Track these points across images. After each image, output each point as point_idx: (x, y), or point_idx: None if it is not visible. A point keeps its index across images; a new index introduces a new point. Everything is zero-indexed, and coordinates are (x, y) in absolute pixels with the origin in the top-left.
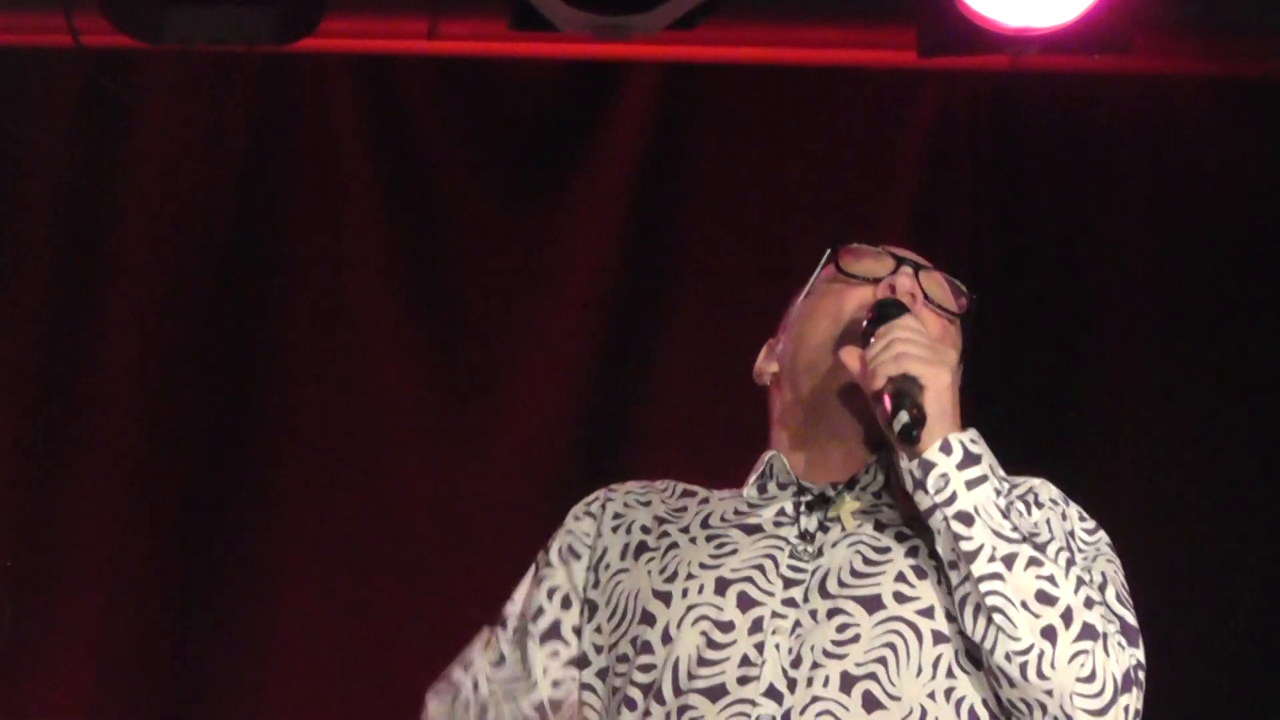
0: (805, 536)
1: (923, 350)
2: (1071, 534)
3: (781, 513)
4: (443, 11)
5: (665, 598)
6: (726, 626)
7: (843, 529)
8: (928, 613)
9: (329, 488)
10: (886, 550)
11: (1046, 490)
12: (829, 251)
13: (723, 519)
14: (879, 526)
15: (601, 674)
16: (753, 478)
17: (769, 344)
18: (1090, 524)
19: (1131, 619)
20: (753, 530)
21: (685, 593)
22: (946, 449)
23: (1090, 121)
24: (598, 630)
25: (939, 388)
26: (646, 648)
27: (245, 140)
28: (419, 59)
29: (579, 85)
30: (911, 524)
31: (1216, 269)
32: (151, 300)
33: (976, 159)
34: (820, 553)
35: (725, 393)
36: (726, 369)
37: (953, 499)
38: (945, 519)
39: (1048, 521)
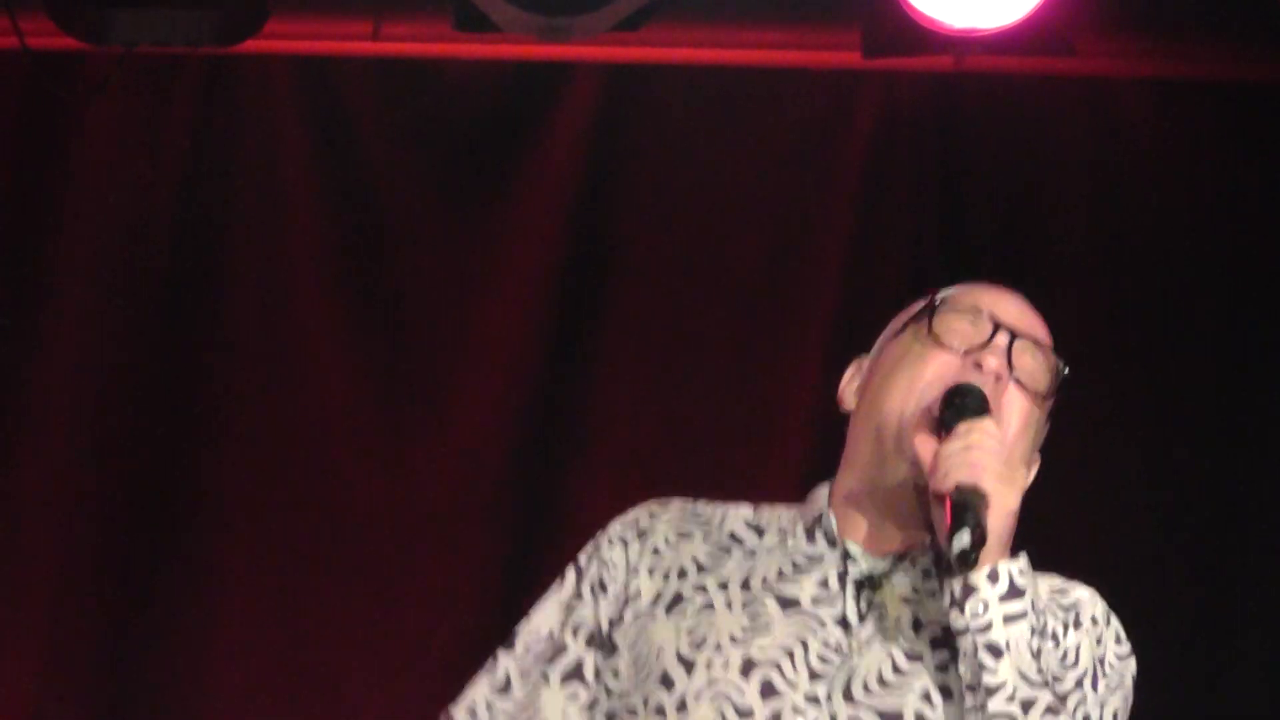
0: (844, 624)
1: (998, 464)
2: (1102, 660)
3: (824, 584)
4: (386, 12)
5: (688, 665)
6: (745, 712)
7: (882, 620)
8: None
9: (271, 490)
10: (918, 659)
11: (1091, 608)
12: (929, 299)
13: (764, 583)
14: (917, 625)
15: (609, 717)
16: (803, 521)
17: (856, 363)
18: (1125, 648)
19: None
20: (789, 605)
21: (710, 665)
22: (994, 577)
23: (1034, 123)
24: (614, 673)
25: (1003, 510)
26: (660, 711)
27: (188, 141)
28: (362, 60)
29: (522, 86)
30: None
31: (1160, 269)
32: (94, 303)
33: (920, 160)
34: (854, 651)
35: (667, 394)
36: (669, 370)
37: (987, 628)
38: (975, 645)
39: (1078, 647)
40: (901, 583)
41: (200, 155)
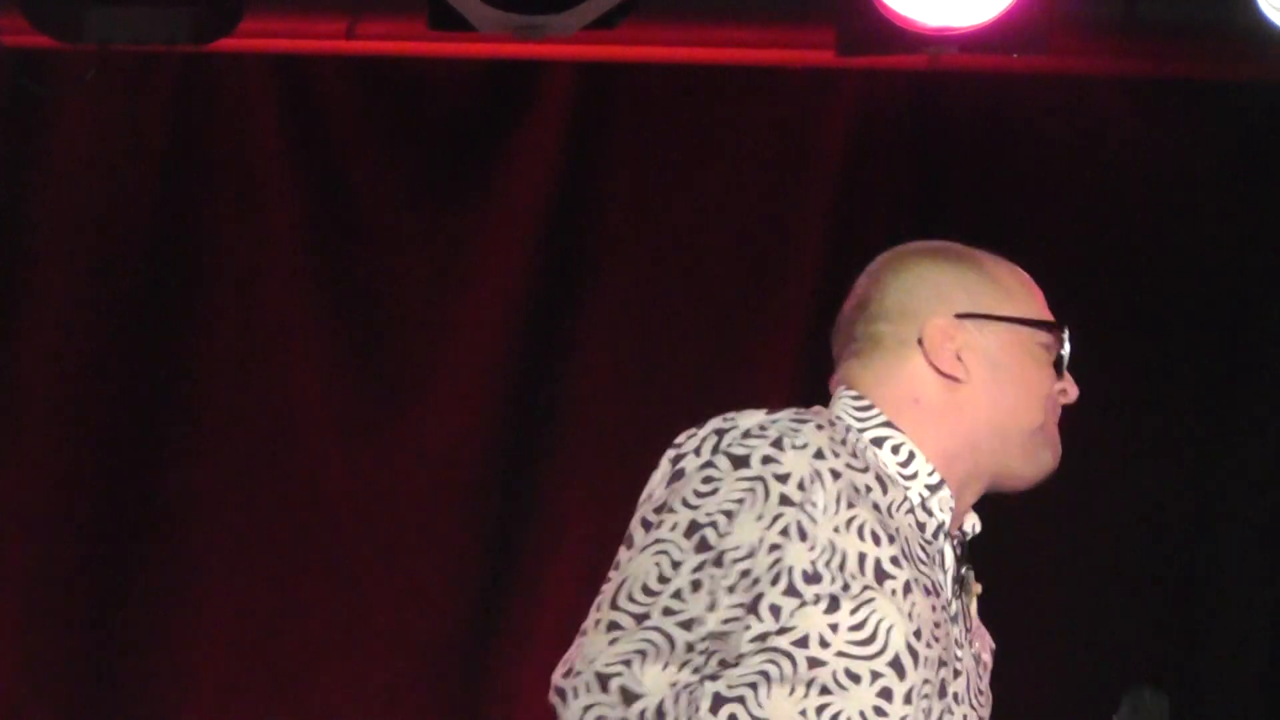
0: (959, 618)
1: None
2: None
3: (940, 561)
4: (361, 11)
5: (915, 657)
6: (928, 713)
7: (966, 613)
8: None
9: (248, 486)
10: (979, 660)
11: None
12: (1053, 323)
13: (919, 563)
14: (969, 625)
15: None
16: (914, 488)
17: (956, 324)
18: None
19: None
20: (936, 594)
21: (925, 662)
22: None
23: (1010, 121)
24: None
25: None
26: (887, 694)
27: (164, 140)
28: (337, 59)
29: (497, 85)
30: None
31: (1136, 267)
32: (70, 301)
33: (895, 158)
34: (964, 641)
35: (643, 391)
36: (644, 367)
37: None
38: None
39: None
40: (977, 585)
41: (176, 154)
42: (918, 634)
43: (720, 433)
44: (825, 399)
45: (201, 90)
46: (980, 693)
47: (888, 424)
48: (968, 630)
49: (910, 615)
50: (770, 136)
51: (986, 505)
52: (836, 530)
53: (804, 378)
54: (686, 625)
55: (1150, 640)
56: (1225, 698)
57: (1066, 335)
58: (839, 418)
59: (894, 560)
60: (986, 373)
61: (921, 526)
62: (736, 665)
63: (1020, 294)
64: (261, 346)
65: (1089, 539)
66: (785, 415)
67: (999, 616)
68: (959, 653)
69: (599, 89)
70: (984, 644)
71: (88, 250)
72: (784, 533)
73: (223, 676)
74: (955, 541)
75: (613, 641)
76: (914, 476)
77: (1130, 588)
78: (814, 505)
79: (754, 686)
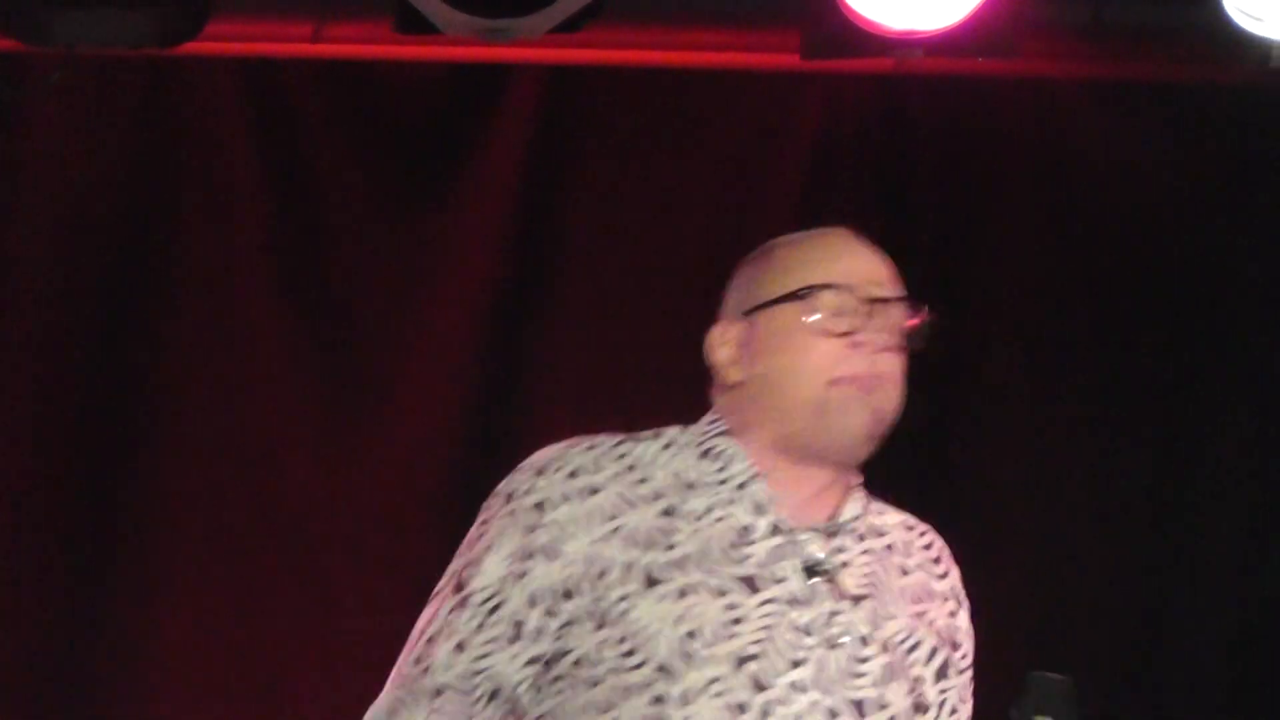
0: (802, 603)
1: None
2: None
3: (777, 555)
4: (328, 14)
5: (688, 658)
6: (741, 708)
7: (836, 598)
8: None
9: (216, 489)
10: (868, 641)
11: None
12: (807, 287)
13: (723, 562)
14: (861, 598)
15: (557, 679)
16: (727, 482)
17: (723, 329)
18: None
19: None
20: (752, 589)
21: (706, 662)
22: None
23: (976, 124)
24: (574, 642)
25: None
26: (659, 700)
27: (131, 142)
28: (304, 62)
29: (464, 88)
30: (881, 578)
31: (1103, 271)
32: (38, 304)
33: (861, 161)
34: (814, 630)
35: (610, 393)
36: (611, 370)
37: None
38: None
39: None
40: (838, 554)
41: (143, 156)
42: (693, 634)
43: (511, 473)
44: None
45: (168, 93)
46: (856, 675)
47: (723, 433)
48: (833, 615)
49: (684, 618)
50: (736, 140)
51: (947, 500)
52: (594, 543)
53: None
54: (428, 671)
55: (1113, 635)
56: (1187, 693)
57: (820, 293)
58: (680, 435)
59: (670, 565)
60: (762, 360)
61: (748, 528)
62: (540, 693)
63: (794, 270)
64: (229, 349)
65: (1053, 533)
66: (587, 441)
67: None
68: (808, 640)
69: (565, 92)
70: (906, 620)
71: (55, 253)
72: (531, 556)
73: (188, 680)
74: (821, 531)
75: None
76: (726, 481)
77: (1093, 583)
78: (571, 522)
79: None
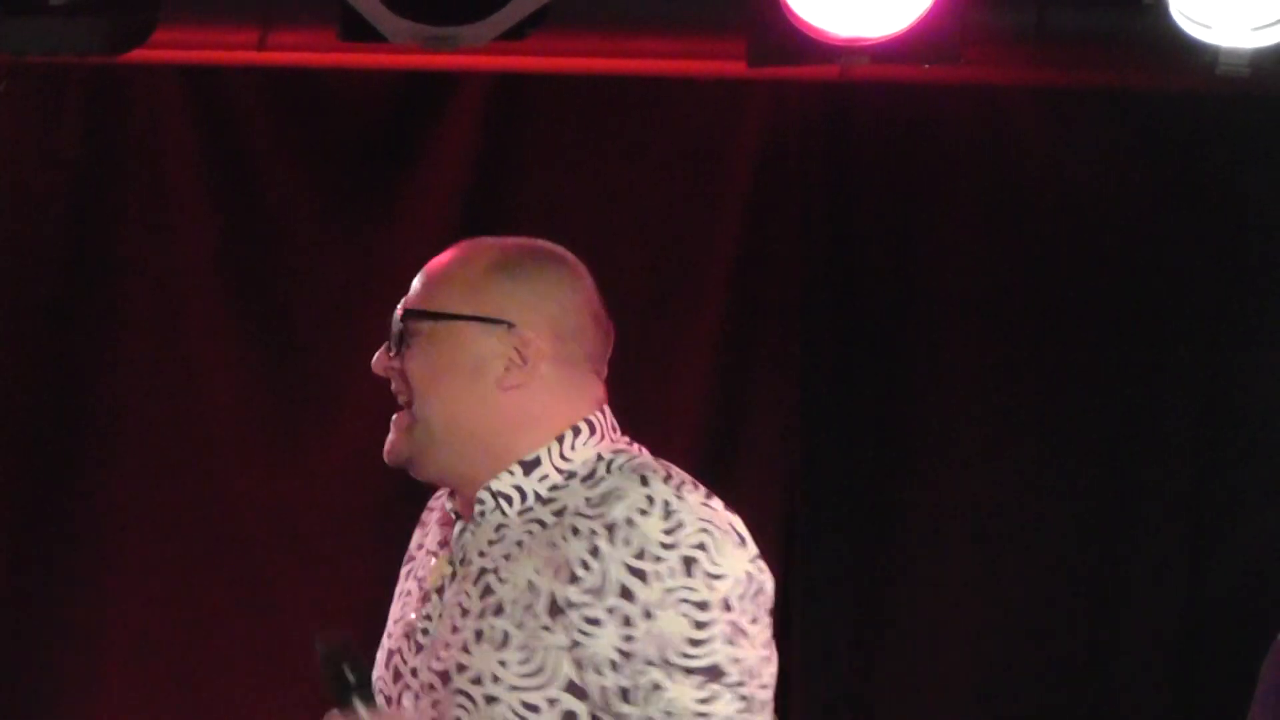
0: (439, 592)
1: None
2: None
3: (438, 543)
4: (273, 22)
5: (382, 656)
6: (390, 700)
7: (445, 586)
8: (478, 680)
9: (161, 495)
10: (466, 614)
11: (625, 510)
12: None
13: (424, 570)
14: (473, 579)
15: None
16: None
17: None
18: (670, 524)
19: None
20: (420, 581)
21: (376, 664)
22: None
23: (922, 131)
24: None
25: None
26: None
27: (77, 150)
28: (249, 70)
29: (409, 96)
30: (503, 569)
31: (1047, 277)
32: None
33: (807, 168)
34: (440, 615)
35: None
36: None
37: None
38: None
39: (604, 571)
40: (447, 565)
41: (89, 163)
42: (389, 634)
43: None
44: (741, 404)
45: (114, 100)
46: (445, 646)
47: None
48: (454, 594)
49: (389, 619)
50: (682, 147)
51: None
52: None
53: (719, 385)
54: None
55: (1061, 639)
56: (1135, 696)
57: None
58: None
59: (402, 569)
60: None
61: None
62: None
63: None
64: (176, 356)
65: (1002, 539)
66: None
67: (915, 615)
68: (430, 626)
69: (511, 100)
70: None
71: (1, 261)
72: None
73: (134, 684)
74: (475, 510)
75: None
76: None
77: (1042, 587)
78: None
79: None
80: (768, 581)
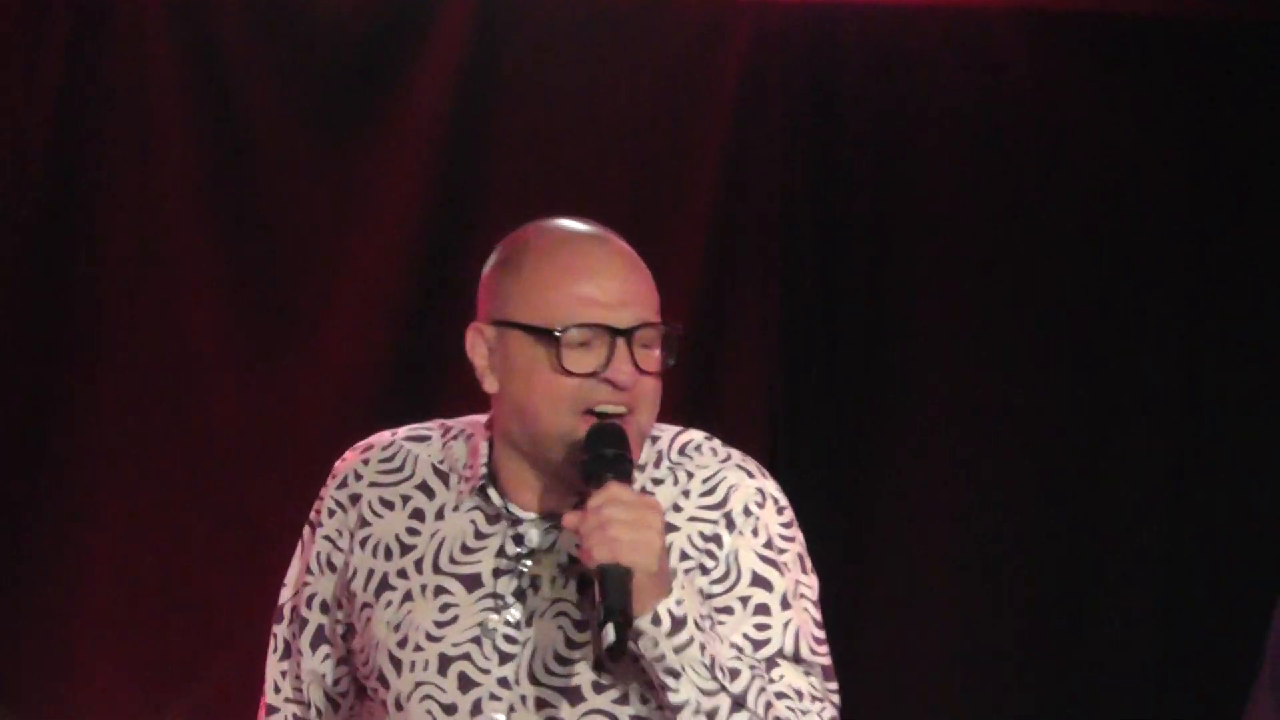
0: (520, 596)
1: (629, 532)
2: (769, 543)
3: (501, 554)
4: None
5: (397, 665)
6: (450, 709)
7: (538, 593)
8: (624, 699)
9: (141, 419)
10: (586, 627)
11: (744, 497)
12: (549, 330)
13: (451, 561)
14: (581, 587)
15: (359, 680)
16: (473, 482)
17: (476, 332)
18: (785, 518)
19: (821, 677)
20: (473, 586)
21: (413, 666)
22: (656, 620)
23: (907, 53)
24: (352, 650)
25: (647, 571)
26: (384, 706)
27: (58, 74)
28: None
29: (391, 16)
30: None
31: (1032, 202)
32: None
33: (792, 89)
34: (530, 622)
35: None
36: None
37: (661, 658)
38: (654, 670)
39: (735, 552)
40: (555, 557)
41: (71, 91)
42: (403, 643)
43: None
44: (722, 333)
45: (96, 26)
46: (562, 660)
47: (487, 423)
48: (554, 601)
49: (399, 625)
50: (665, 69)
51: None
52: (353, 552)
53: (701, 306)
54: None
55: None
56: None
57: (566, 333)
58: (463, 430)
59: (401, 573)
60: (514, 381)
61: (489, 518)
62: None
63: (541, 291)
64: (157, 279)
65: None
66: (369, 443)
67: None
68: (518, 635)
69: (493, 18)
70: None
71: None
72: (314, 570)
73: (117, 609)
74: (544, 524)
75: None
76: (473, 473)
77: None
78: (337, 534)
79: None
80: None
